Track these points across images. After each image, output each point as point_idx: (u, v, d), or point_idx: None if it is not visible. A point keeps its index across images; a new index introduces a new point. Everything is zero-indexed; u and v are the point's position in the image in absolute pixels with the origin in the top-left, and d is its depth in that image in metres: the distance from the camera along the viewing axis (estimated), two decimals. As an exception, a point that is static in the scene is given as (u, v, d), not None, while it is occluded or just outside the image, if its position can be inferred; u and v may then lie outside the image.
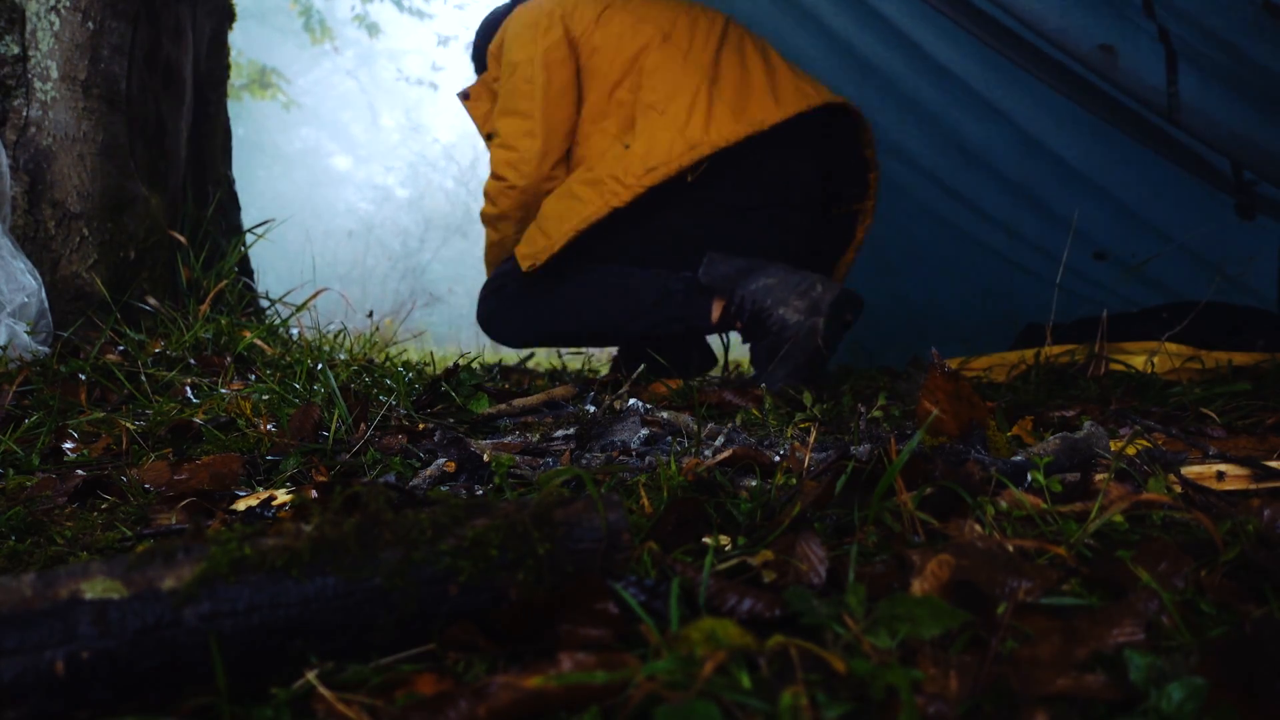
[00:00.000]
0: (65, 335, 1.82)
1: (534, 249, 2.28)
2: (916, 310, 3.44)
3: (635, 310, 2.22)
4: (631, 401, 1.63)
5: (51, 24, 1.98)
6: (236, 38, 2.97)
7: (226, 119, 2.76)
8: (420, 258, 16.46)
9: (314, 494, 0.97)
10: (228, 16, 2.73)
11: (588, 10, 2.35)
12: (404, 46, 16.86)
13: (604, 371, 2.65)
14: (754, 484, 0.93)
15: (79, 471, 1.13)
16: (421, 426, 1.41)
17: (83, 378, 1.56)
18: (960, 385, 1.07)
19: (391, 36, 13.70)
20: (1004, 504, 0.81)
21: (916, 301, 3.03)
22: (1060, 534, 0.74)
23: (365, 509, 0.57)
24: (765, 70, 2.29)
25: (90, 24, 2.02)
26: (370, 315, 2.40)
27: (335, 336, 2.22)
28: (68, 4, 1.99)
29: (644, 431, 1.31)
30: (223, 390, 1.58)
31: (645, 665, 0.48)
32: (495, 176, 2.43)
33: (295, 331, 2.24)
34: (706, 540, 0.77)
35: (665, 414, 1.44)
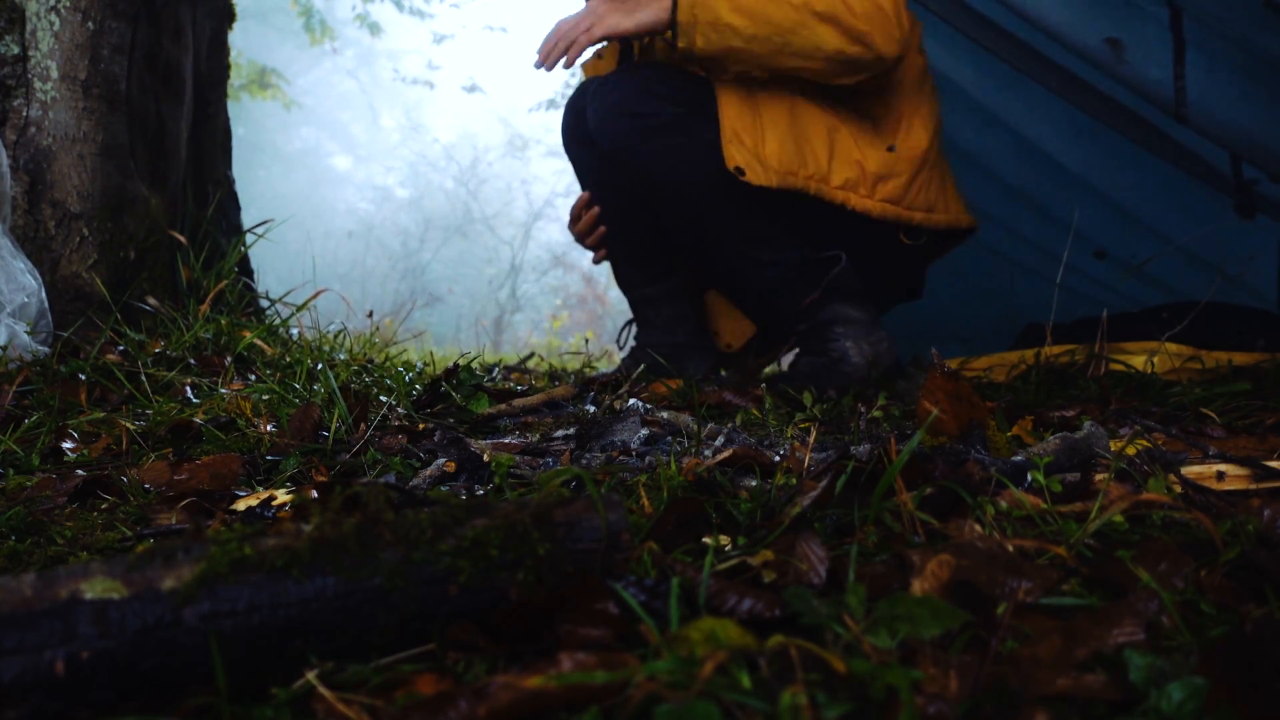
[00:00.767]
0: (65, 335, 1.82)
1: (755, 158, 1.93)
2: (916, 310, 3.45)
3: (752, 249, 2.06)
4: (631, 401, 1.63)
5: (51, 24, 1.98)
6: (236, 38, 2.97)
7: (226, 119, 2.76)
8: (420, 258, 16.48)
9: (314, 494, 0.97)
10: (228, 16, 2.73)
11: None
12: (404, 46, 16.88)
13: (603, 369, 2.65)
14: (754, 484, 0.93)
15: (79, 471, 1.13)
16: (421, 426, 1.41)
17: (83, 378, 1.56)
18: (960, 385, 1.07)
19: (392, 36, 13.71)
20: (1004, 504, 0.81)
21: (916, 301, 3.02)
22: (1060, 534, 0.74)
23: (365, 509, 0.57)
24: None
25: (90, 24, 2.02)
26: (370, 315, 2.40)
27: (335, 336, 2.22)
28: (68, 4, 1.99)
29: (644, 431, 1.31)
30: (223, 390, 1.58)
31: (645, 665, 0.48)
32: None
33: (295, 331, 2.24)
34: (706, 540, 0.77)
35: (665, 414, 1.45)
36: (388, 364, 2.04)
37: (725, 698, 0.46)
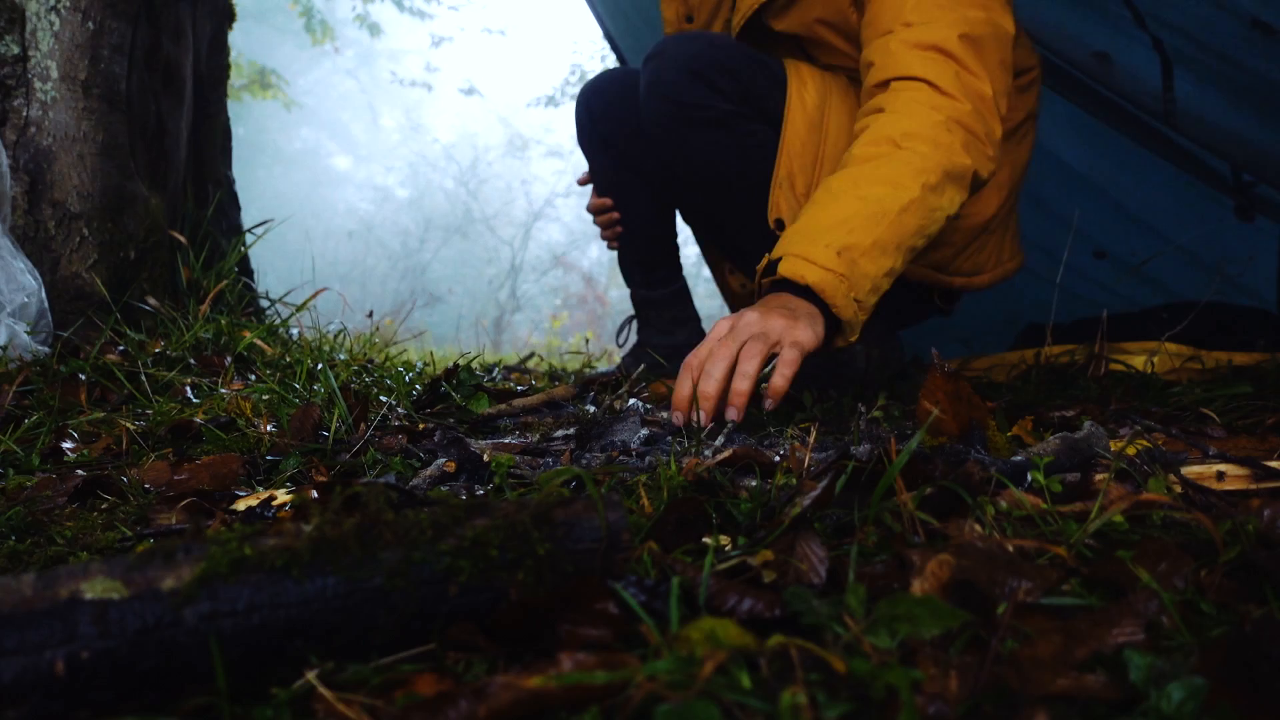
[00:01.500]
0: (65, 335, 1.82)
1: (799, 210, 1.59)
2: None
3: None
4: (631, 401, 1.63)
5: (51, 24, 1.98)
6: (236, 38, 2.97)
7: (226, 119, 2.76)
8: (420, 258, 16.48)
9: (314, 494, 0.97)
10: (228, 16, 2.73)
11: None
12: (404, 47, 16.88)
13: (603, 369, 2.65)
14: (754, 484, 0.93)
15: (79, 471, 1.14)
16: (421, 426, 1.41)
17: (83, 378, 1.56)
18: (960, 385, 1.07)
19: (391, 36, 13.72)
20: (1004, 504, 0.81)
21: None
22: (1060, 534, 0.74)
23: (365, 509, 0.57)
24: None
25: (90, 24, 2.02)
26: (370, 315, 2.40)
27: (335, 336, 2.22)
28: (68, 4, 1.99)
29: (644, 431, 1.31)
30: (223, 390, 1.58)
31: (645, 665, 0.48)
32: (948, 97, 1.54)
33: (295, 331, 2.24)
34: (706, 540, 0.77)
35: (665, 414, 1.44)
36: (388, 364, 2.04)
37: (725, 698, 0.46)
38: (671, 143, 1.91)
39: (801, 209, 1.60)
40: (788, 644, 0.50)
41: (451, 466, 1.12)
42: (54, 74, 1.98)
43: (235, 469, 1.12)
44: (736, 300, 2.46)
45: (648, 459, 1.16)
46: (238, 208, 2.78)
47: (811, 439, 1.07)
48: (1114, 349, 2.12)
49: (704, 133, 1.86)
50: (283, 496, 1.01)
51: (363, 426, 1.34)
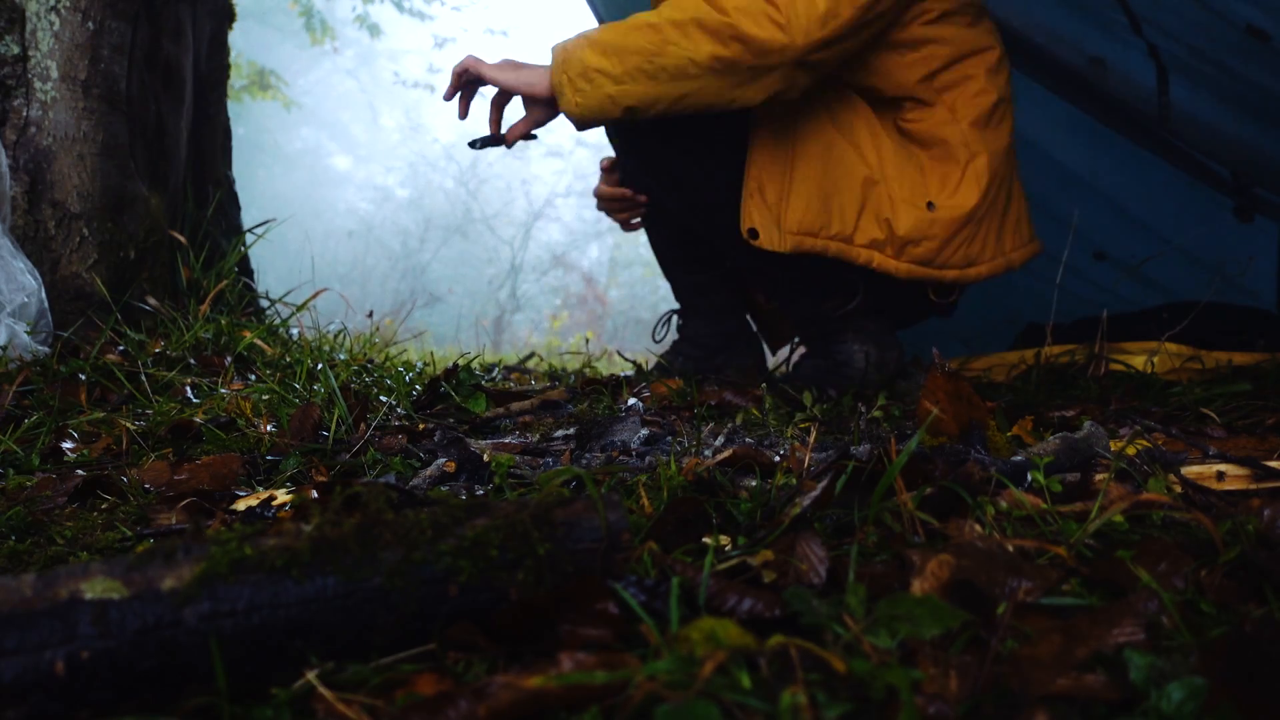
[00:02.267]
0: (65, 335, 1.82)
1: (774, 221, 1.77)
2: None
3: (773, 269, 1.96)
4: (631, 401, 1.63)
5: (51, 24, 1.98)
6: (236, 38, 2.97)
7: (226, 119, 2.76)
8: (420, 258, 16.47)
9: (314, 494, 0.97)
10: (228, 16, 2.73)
11: None
12: (404, 47, 16.88)
13: (605, 372, 2.65)
14: (754, 484, 0.93)
15: (79, 471, 1.14)
16: (421, 426, 1.41)
17: (83, 378, 1.56)
18: (960, 385, 1.07)
19: (391, 37, 13.71)
20: (1004, 504, 0.81)
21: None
22: (1060, 534, 0.74)
23: (365, 509, 0.57)
24: (1023, 199, 2.07)
25: (90, 24, 2.02)
26: (370, 315, 2.40)
27: (335, 336, 2.22)
28: (68, 4, 1.99)
29: (644, 431, 1.31)
30: (223, 390, 1.58)
31: (645, 665, 0.48)
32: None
33: (295, 331, 2.24)
34: (706, 540, 0.77)
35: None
36: (388, 364, 2.04)
37: (725, 698, 0.46)
38: (654, 162, 1.95)
39: (770, 221, 1.79)
40: (788, 644, 0.50)
41: (451, 466, 1.12)
42: (54, 74, 1.98)
43: (235, 469, 1.12)
44: (763, 318, 2.46)
45: (648, 459, 1.16)
46: (238, 208, 2.78)
47: (811, 439, 1.07)
48: (1114, 349, 2.12)
49: (687, 150, 1.90)
50: (283, 496, 1.01)
51: (363, 426, 1.34)
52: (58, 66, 1.98)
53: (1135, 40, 2.11)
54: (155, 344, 1.85)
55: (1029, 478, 0.89)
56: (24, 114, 1.96)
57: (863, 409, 1.43)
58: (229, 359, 1.80)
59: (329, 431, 1.31)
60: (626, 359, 2.59)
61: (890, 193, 1.85)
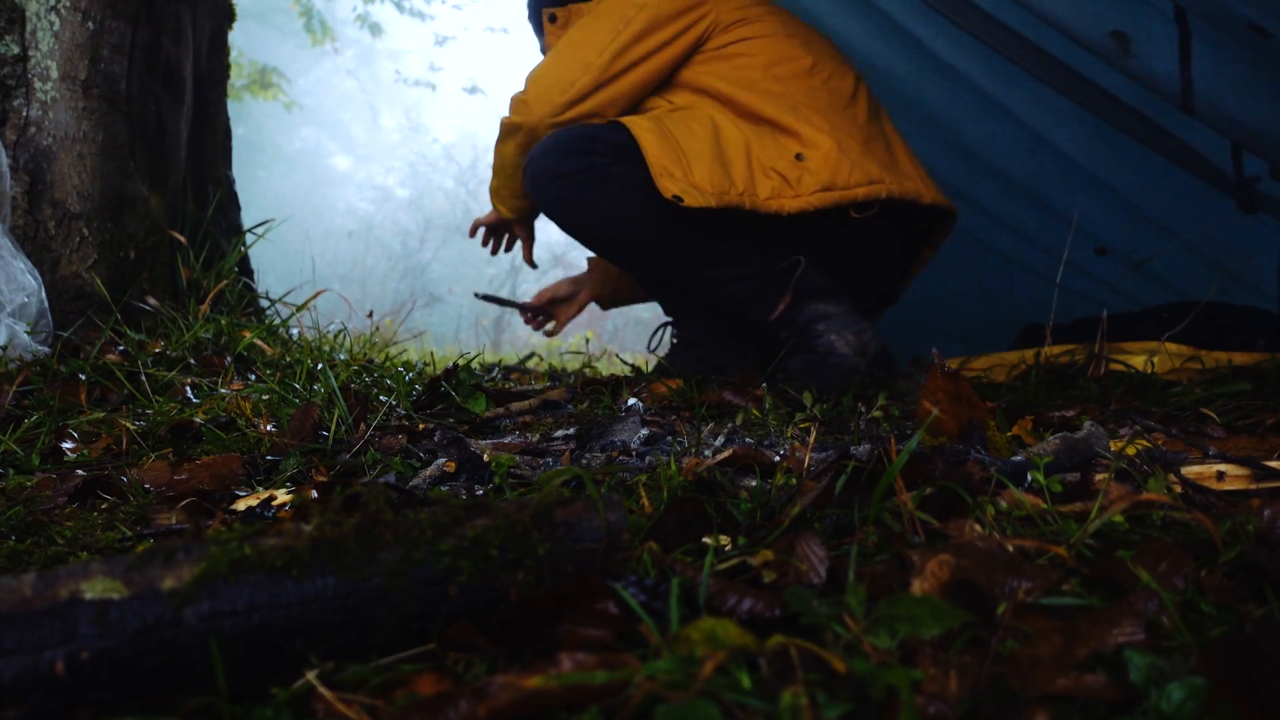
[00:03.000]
0: (65, 335, 1.82)
1: (689, 184, 1.97)
2: (916, 309, 3.45)
3: (710, 269, 2.11)
4: (631, 401, 1.63)
5: (51, 24, 1.98)
6: (236, 38, 2.97)
7: (226, 119, 2.76)
8: (420, 258, 16.47)
9: (314, 494, 0.97)
10: (228, 16, 2.73)
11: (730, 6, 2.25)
12: (404, 46, 16.88)
13: (606, 372, 2.65)
14: (754, 484, 0.93)
15: (79, 471, 1.14)
16: (421, 426, 1.41)
17: (83, 378, 1.56)
18: (960, 385, 1.07)
19: (392, 36, 13.70)
20: (1004, 504, 0.81)
21: (916, 300, 3.03)
22: (1060, 534, 0.74)
23: (365, 509, 0.57)
24: (906, 146, 2.32)
25: (90, 24, 2.02)
26: (370, 315, 2.40)
27: (335, 336, 2.22)
28: (68, 4, 1.99)
29: (644, 431, 1.31)
30: (223, 390, 1.58)
31: (645, 665, 0.48)
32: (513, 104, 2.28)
33: (295, 331, 2.24)
34: (706, 540, 0.77)
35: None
36: (388, 364, 2.04)
37: (725, 698, 0.46)
38: (574, 220, 2.13)
39: (686, 185, 1.98)
40: (788, 644, 0.50)
41: (451, 466, 1.12)
42: (54, 74, 1.98)
43: (235, 469, 1.12)
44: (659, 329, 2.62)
45: (648, 459, 1.16)
46: (238, 208, 2.78)
47: (811, 439, 1.07)
48: (1114, 349, 2.12)
49: (594, 191, 2.07)
50: (283, 496, 1.01)
51: (363, 426, 1.34)
52: (58, 66, 1.98)
53: (1160, 4, 2.10)
54: (155, 344, 1.85)
55: (1029, 478, 0.89)
56: (24, 114, 1.96)
57: (863, 409, 1.43)
58: (229, 359, 1.80)
59: (329, 431, 1.31)
60: (626, 363, 2.59)
61: (764, 150, 2.09)
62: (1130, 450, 1.00)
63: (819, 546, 0.68)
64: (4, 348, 1.65)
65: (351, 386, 1.59)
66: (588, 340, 3.26)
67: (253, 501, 0.99)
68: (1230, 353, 2.09)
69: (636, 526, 0.79)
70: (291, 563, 0.53)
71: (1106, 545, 0.72)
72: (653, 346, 2.49)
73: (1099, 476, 0.93)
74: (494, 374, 2.40)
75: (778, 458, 1.07)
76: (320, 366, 1.70)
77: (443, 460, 1.14)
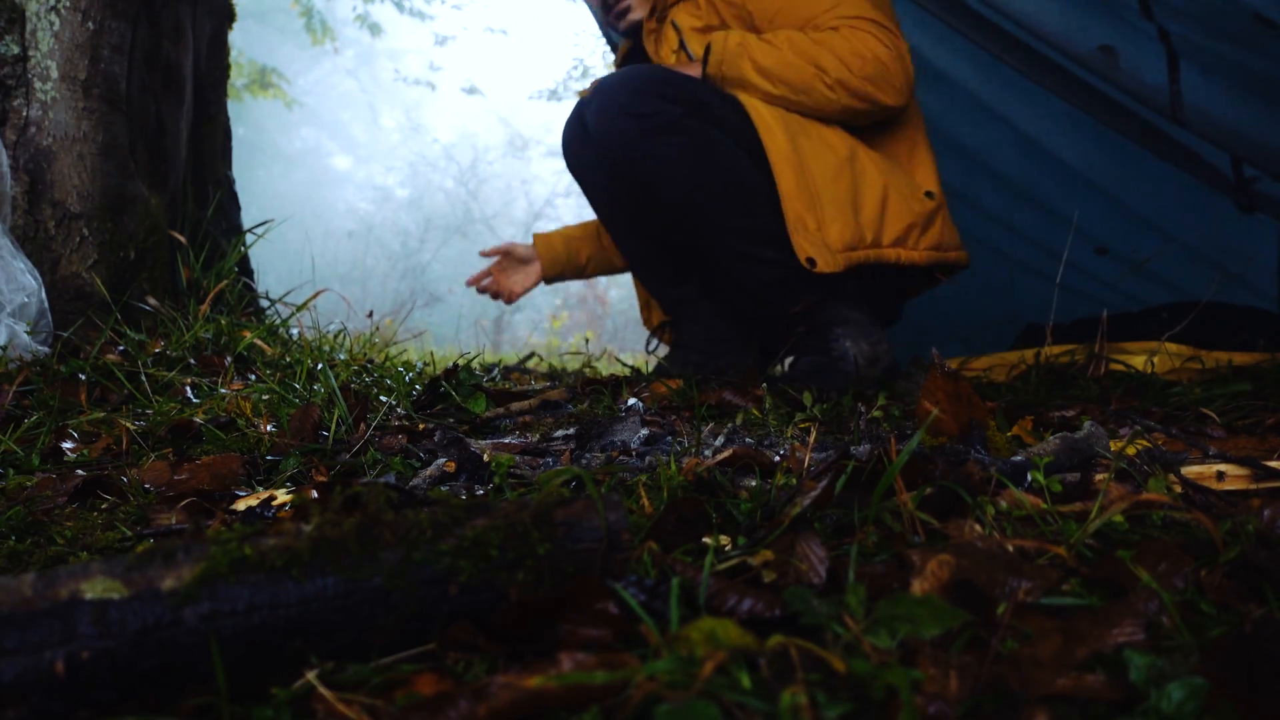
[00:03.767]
0: (65, 335, 1.82)
1: (823, 245, 1.96)
2: (916, 309, 3.45)
3: (750, 247, 2.06)
4: (631, 401, 1.63)
5: (51, 24, 1.98)
6: (236, 38, 2.97)
7: (226, 119, 2.76)
8: (420, 258, 16.47)
9: (314, 494, 0.97)
10: (228, 16, 2.73)
11: None
12: (404, 46, 16.88)
13: (606, 372, 2.65)
14: (754, 484, 0.93)
15: (79, 471, 1.13)
16: (421, 426, 1.41)
17: (83, 378, 1.56)
18: (960, 385, 1.07)
19: (392, 36, 13.71)
20: (1004, 504, 0.81)
21: (916, 300, 3.03)
22: (1060, 534, 0.74)
23: (365, 509, 0.57)
24: None
25: (90, 24, 2.02)
26: (370, 315, 2.40)
27: (335, 336, 2.22)
28: (68, 4, 1.99)
29: (644, 431, 1.31)
30: (223, 390, 1.58)
31: (645, 665, 0.48)
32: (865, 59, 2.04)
33: (295, 331, 2.24)
34: (706, 540, 0.77)
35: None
36: (388, 364, 2.04)
37: (725, 698, 0.46)
38: (631, 160, 2.04)
39: (820, 246, 1.97)
40: (788, 644, 0.50)
41: (451, 466, 1.12)
42: (54, 74, 1.98)
43: (235, 469, 1.12)
44: (654, 323, 2.58)
45: (648, 459, 1.16)
46: (238, 208, 2.77)
47: (811, 439, 1.07)
48: (1114, 349, 2.12)
49: (661, 139, 1.99)
50: (283, 496, 1.01)
51: (363, 426, 1.34)
52: (58, 66, 1.98)
53: (1145, 25, 2.11)
54: (155, 344, 1.85)
55: (1029, 478, 0.89)
56: (24, 114, 1.96)
57: (863, 409, 1.43)
58: (229, 359, 1.80)
59: (329, 431, 1.31)
60: (625, 364, 2.59)
61: (900, 192, 2.09)
62: (1130, 450, 1.00)
63: (819, 546, 0.68)
64: (4, 348, 1.65)
65: (351, 386, 1.59)
66: (587, 340, 3.26)
67: (253, 501, 0.99)
68: (1230, 353, 2.09)
69: (636, 526, 0.79)
70: (291, 563, 0.53)
71: (1106, 545, 0.72)
72: (651, 348, 2.49)
73: (1099, 476, 0.93)
74: (494, 374, 2.40)
75: (778, 458, 1.07)
76: (320, 366, 1.70)
77: (443, 460, 1.14)
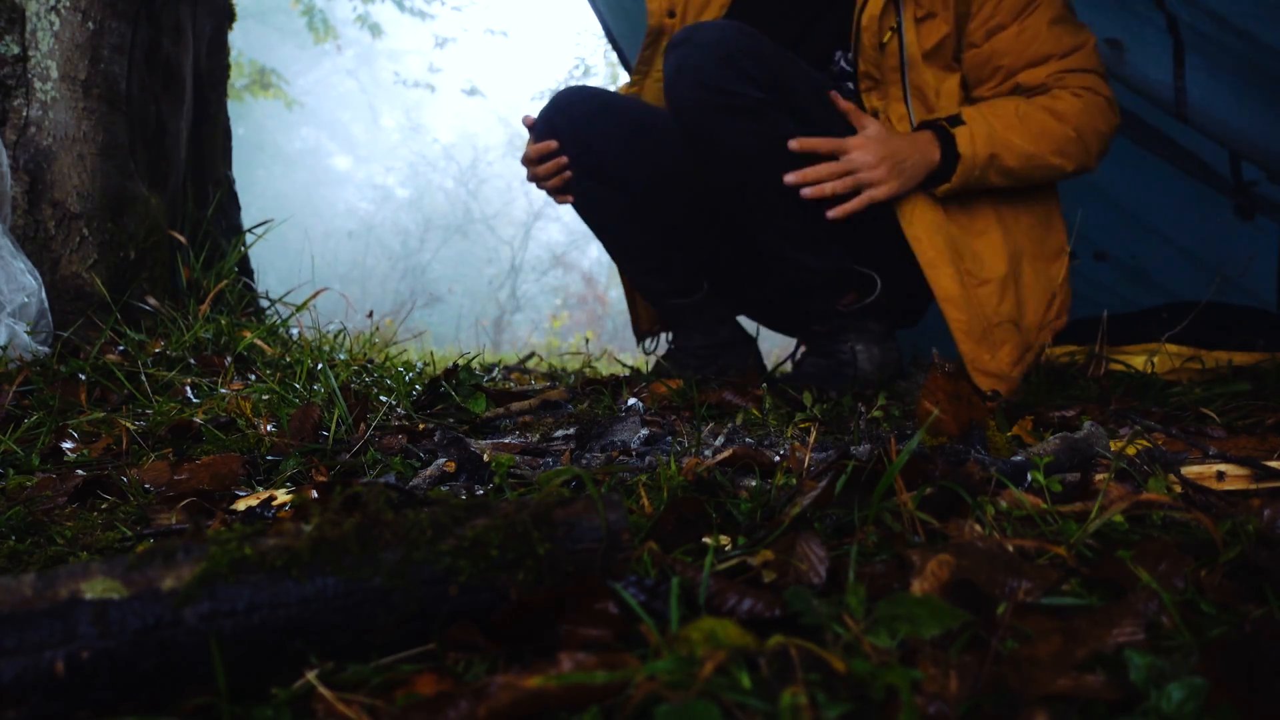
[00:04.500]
0: (65, 335, 1.82)
1: (1000, 376, 1.92)
2: (916, 310, 3.46)
3: (796, 252, 1.99)
4: (631, 401, 1.63)
5: (51, 24, 1.98)
6: (236, 38, 2.97)
7: (226, 119, 2.76)
8: (420, 258, 16.48)
9: (314, 494, 0.97)
10: (228, 16, 2.73)
11: None
12: (404, 47, 16.89)
13: (605, 372, 2.65)
14: (754, 484, 0.93)
15: (79, 471, 1.13)
16: (421, 426, 1.41)
17: (83, 378, 1.56)
18: (960, 385, 1.07)
19: (392, 36, 13.72)
20: (1004, 504, 0.81)
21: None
22: (1060, 534, 0.74)
23: (365, 509, 0.57)
24: None
25: (90, 24, 2.02)
26: (370, 315, 2.40)
27: (335, 336, 2.22)
28: (68, 4, 1.99)
29: (644, 431, 1.31)
30: (223, 390, 1.58)
31: (645, 665, 0.48)
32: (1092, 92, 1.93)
33: (295, 331, 2.24)
34: (706, 540, 0.77)
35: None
36: (388, 364, 2.04)
37: (725, 698, 0.46)
38: (701, 129, 1.91)
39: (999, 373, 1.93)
40: (788, 644, 0.50)
41: (451, 466, 1.12)
42: (54, 74, 1.98)
43: (235, 469, 1.12)
44: (643, 330, 2.47)
45: (648, 459, 1.16)
46: (238, 208, 2.78)
47: (811, 439, 1.07)
48: (1114, 351, 2.12)
49: (734, 121, 1.88)
50: (283, 496, 1.01)
51: (363, 426, 1.34)
52: (58, 66, 1.98)
53: (1154, 15, 2.10)
54: (155, 344, 1.85)
55: (1029, 478, 0.89)
56: (24, 114, 1.96)
57: (862, 409, 1.43)
58: (229, 359, 1.80)
59: (329, 431, 1.31)
60: (625, 365, 2.58)
61: (1048, 275, 2.07)
62: (1130, 450, 1.00)
63: (819, 546, 0.68)
64: (4, 348, 1.65)
65: (351, 386, 1.59)
66: (587, 340, 3.26)
67: (253, 501, 0.99)
68: (1230, 353, 2.09)
69: (636, 526, 0.79)
70: (291, 563, 0.53)
71: (1106, 545, 0.72)
72: (651, 348, 2.47)
73: (1099, 476, 0.93)
74: (494, 374, 2.40)
75: (778, 458, 1.07)
76: (320, 366, 1.70)
77: (443, 460, 1.14)
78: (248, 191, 3.11)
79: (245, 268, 2.64)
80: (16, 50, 1.97)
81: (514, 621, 0.56)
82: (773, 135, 1.89)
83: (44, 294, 1.80)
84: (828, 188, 1.89)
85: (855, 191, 1.89)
